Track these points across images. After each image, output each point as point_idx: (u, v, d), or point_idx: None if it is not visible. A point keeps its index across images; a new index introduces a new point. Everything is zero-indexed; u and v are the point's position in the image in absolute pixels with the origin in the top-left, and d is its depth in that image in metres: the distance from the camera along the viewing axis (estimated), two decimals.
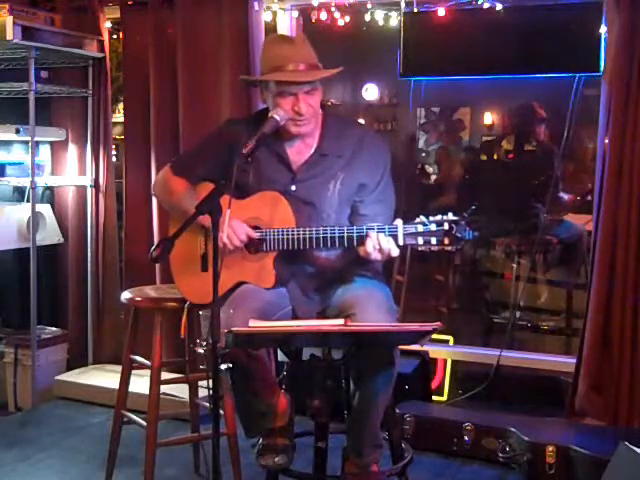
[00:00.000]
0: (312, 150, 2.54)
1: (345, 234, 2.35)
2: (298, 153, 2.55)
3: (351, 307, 2.39)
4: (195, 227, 2.35)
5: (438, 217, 2.22)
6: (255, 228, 2.50)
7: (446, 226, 2.20)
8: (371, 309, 2.36)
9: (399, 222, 2.28)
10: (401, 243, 2.26)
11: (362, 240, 2.32)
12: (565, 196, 4.97)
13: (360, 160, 2.51)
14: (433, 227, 2.20)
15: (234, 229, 2.45)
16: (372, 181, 2.52)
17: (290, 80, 2.40)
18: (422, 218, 2.23)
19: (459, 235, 2.19)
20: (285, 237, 2.43)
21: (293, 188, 2.52)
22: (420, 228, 2.21)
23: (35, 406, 4.01)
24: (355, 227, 2.36)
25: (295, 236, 2.41)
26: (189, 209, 2.31)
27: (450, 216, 2.21)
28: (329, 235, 2.36)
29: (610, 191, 3.38)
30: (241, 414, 2.62)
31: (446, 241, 2.20)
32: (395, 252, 2.29)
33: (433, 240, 2.20)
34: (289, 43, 2.47)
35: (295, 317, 2.54)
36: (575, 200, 5.03)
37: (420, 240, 2.22)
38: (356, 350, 2.40)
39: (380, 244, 2.27)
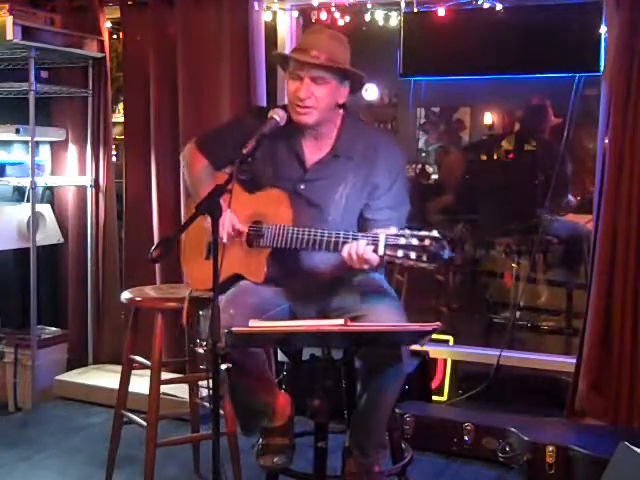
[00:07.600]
0: (327, 150, 2.53)
1: (332, 239, 2.32)
2: (314, 152, 2.54)
3: (360, 308, 2.39)
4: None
5: (422, 232, 2.16)
6: (256, 223, 2.51)
7: (427, 242, 2.14)
8: (381, 310, 2.37)
9: (382, 232, 2.23)
10: (381, 253, 2.20)
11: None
12: (572, 200, 4.96)
13: (372, 163, 2.49)
14: (415, 241, 2.15)
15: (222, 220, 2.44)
16: (383, 184, 2.48)
17: (294, 57, 2.41)
18: (405, 231, 2.19)
19: (437, 253, 2.14)
20: (277, 234, 2.43)
21: (302, 187, 2.52)
22: (402, 241, 2.17)
23: (35, 406, 4.01)
24: (342, 233, 2.32)
25: (286, 234, 2.41)
26: (200, 195, 2.29)
27: (433, 233, 2.16)
28: (318, 238, 2.35)
29: (610, 191, 3.38)
30: (237, 411, 2.63)
31: (424, 257, 2.16)
32: (374, 261, 2.24)
33: (412, 254, 2.16)
34: (324, 34, 2.48)
35: (293, 316, 2.53)
36: (577, 202, 5.03)
37: (400, 252, 2.18)
38: (364, 348, 2.39)
39: (357, 251, 2.24)
